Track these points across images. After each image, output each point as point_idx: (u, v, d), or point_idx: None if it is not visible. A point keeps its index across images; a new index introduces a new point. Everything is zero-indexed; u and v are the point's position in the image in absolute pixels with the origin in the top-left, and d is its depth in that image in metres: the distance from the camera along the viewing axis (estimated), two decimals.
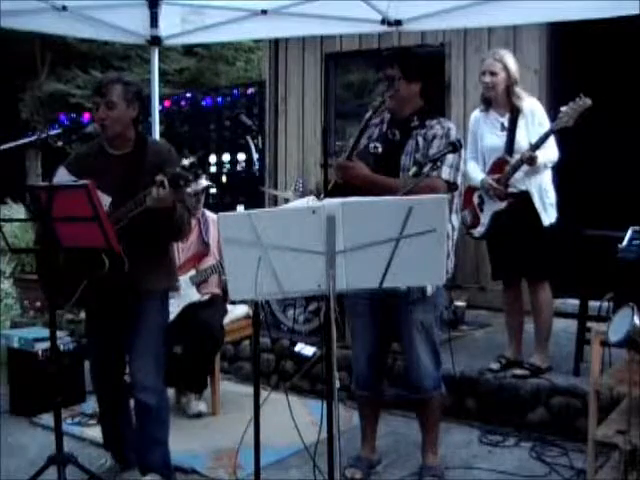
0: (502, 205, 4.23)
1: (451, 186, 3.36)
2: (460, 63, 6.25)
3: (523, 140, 4.17)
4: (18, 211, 5.82)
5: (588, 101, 3.99)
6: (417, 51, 3.80)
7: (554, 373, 4.26)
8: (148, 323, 3.40)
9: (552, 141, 4.17)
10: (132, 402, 3.52)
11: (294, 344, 5.01)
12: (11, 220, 4.99)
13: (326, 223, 2.24)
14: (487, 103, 4.35)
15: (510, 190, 4.21)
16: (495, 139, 4.28)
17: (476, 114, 4.46)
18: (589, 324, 3.92)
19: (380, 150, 3.46)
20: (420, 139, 3.39)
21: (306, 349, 4.93)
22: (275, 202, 6.81)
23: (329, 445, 2.36)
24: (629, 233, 3.62)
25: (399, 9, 4.86)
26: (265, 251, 2.28)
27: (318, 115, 7.08)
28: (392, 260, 2.29)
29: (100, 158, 3.35)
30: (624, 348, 2.97)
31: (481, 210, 4.35)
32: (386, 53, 3.67)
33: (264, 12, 5.09)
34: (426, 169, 3.25)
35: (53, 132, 3.15)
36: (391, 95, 3.42)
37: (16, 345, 4.60)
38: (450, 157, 3.32)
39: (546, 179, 4.27)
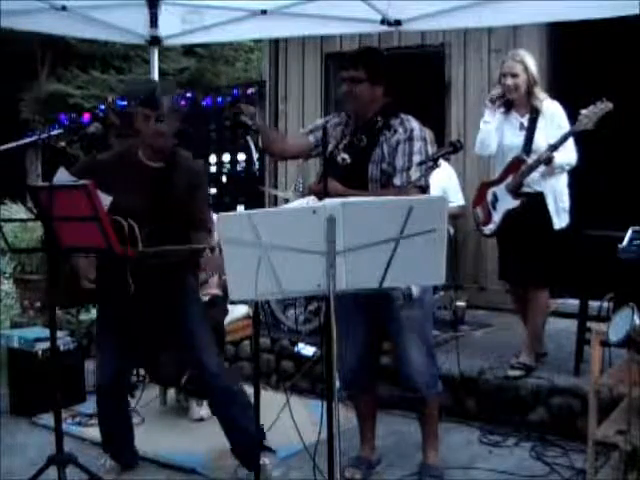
0: (515, 203, 4.24)
1: (424, 189, 3.32)
2: (460, 63, 6.25)
3: (541, 141, 4.18)
4: (18, 211, 5.82)
5: (610, 105, 4.01)
6: (381, 52, 3.75)
7: (554, 373, 4.26)
8: (193, 314, 3.45)
9: (571, 145, 4.19)
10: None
11: (294, 344, 5.01)
12: (11, 220, 4.99)
13: (326, 223, 2.24)
14: (508, 105, 4.35)
15: (525, 190, 4.23)
16: (514, 139, 4.29)
17: (498, 115, 4.41)
18: (589, 324, 3.92)
19: (349, 161, 3.38)
20: (385, 146, 3.32)
21: (306, 349, 4.93)
22: (275, 202, 6.81)
23: (329, 445, 2.36)
24: (629, 233, 3.62)
25: (399, 9, 4.85)
26: (265, 251, 2.28)
27: (318, 115, 7.07)
28: (392, 260, 2.30)
29: (133, 167, 3.33)
30: (624, 348, 2.97)
31: (494, 208, 4.36)
32: (351, 53, 3.59)
33: (264, 12, 5.08)
34: (424, 168, 3.25)
35: (54, 132, 3.15)
36: (354, 97, 3.36)
37: (16, 345, 4.60)
38: (417, 159, 3.28)
39: (562, 182, 4.28)
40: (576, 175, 4.46)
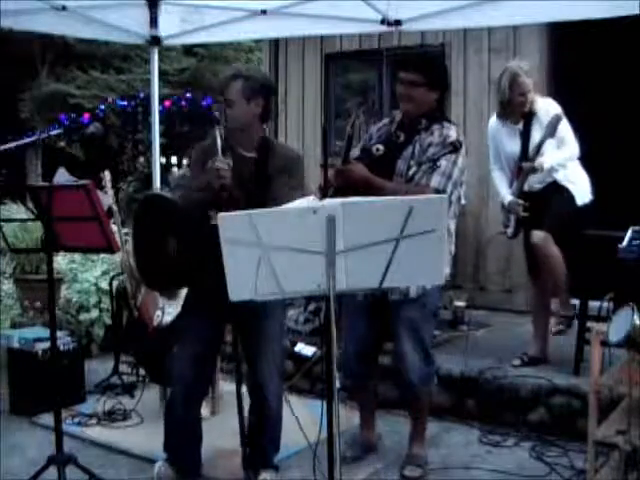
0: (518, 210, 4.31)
1: (441, 194, 3.33)
2: (460, 63, 6.25)
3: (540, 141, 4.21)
4: (18, 211, 5.81)
5: (560, 115, 4.12)
6: (440, 61, 3.85)
7: (554, 373, 4.26)
8: (271, 325, 3.38)
9: (569, 139, 4.23)
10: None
11: (294, 344, 5.01)
12: (11, 220, 4.98)
13: (326, 223, 2.24)
14: (504, 115, 4.36)
15: (537, 187, 4.30)
16: (514, 147, 4.34)
17: (493, 122, 4.46)
18: (589, 324, 3.91)
19: (382, 152, 3.49)
20: (417, 146, 3.42)
21: (306, 349, 4.93)
22: None
23: (329, 445, 2.36)
24: (629, 233, 3.61)
25: (399, 9, 4.86)
26: (265, 251, 2.28)
27: (318, 115, 7.08)
28: (392, 260, 2.30)
29: (231, 156, 3.26)
30: (624, 348, 2.97)
31: (509, 211, 4.42)
32: (412, 56, 3.71)
33: (264, 12, 5.09)
34: (424, 168, 3.34)
35: (53, 132, 3.15)
36: (409, 99, 3.43)
37: (16, 345, 4.59)
38: (443, 164, 3.36)
39: (571, 167, 4.31)
40: None
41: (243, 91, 3.21)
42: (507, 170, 4.43)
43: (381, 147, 3.50)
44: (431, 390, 3.70)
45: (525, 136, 4.27)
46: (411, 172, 3.39)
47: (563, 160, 4.24)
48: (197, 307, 3.43)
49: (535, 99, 4.29)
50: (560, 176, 4.28)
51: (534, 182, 4.29)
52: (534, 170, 4.18)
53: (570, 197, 4.29)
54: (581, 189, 4.32)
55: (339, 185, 3.31)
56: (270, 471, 3.55)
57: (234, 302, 2.35)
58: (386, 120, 3.63)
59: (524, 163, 4.21)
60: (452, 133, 3.43)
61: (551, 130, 4.11)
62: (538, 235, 4.29)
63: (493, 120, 4.47)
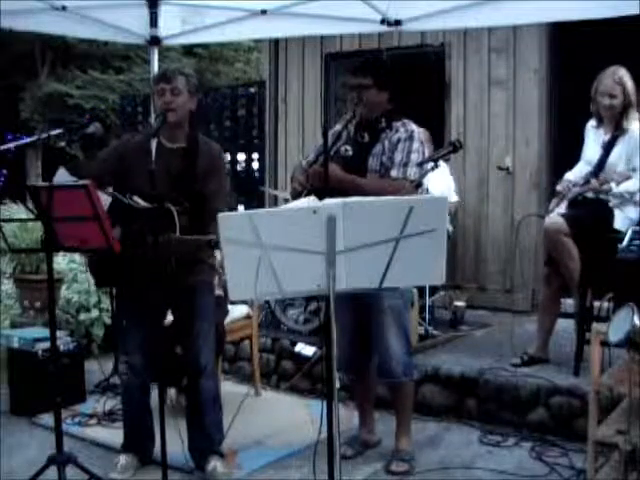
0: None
1: (417, 185, 3.57)
2: (460, 63, 6.25)
3: (618, 162, 4.17)
4: (18, 211, 5.82)
5: None
6: (387, 61, 3.95)
7: (554, 373, 4.26)
8: (203, 310, 3.52)
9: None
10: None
11: (294, 344, 5.01)
12: (11, 220, 4.98)
13: (326, 223, 2.24)
14: (600, 120, 4.32)
15: (590, 194, 4.25)
16: (594, 154, 4.31)
17: (592, 121, 4.41)
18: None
19: (350, 153, 3.64)
20: (386, 142, 3.59)
21: (306, 349, 4.93)
22: (275, 202, 6.81)
23: (329, 445, 2.36)
24: (629, 233, 3.61)
25: (399, 9, 4.86)
26: (265, 251, 2.28)
27: (318, 115, 7.08)
28: (392, 260, 2.30)
29: (155, 149, 3.33)
30: (624, 348, 2.97)
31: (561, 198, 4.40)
32: (357, 63, 3.83)
33: (264, 12, 5.09)
34: (428, 168, 3.50)
35: (54, 132, 3.16)
36: (361, 102, 3.56)
37: (16, 345, 4.59)
38: (414, 157, 3.53)
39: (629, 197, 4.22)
40: None
41: (187, 85, 3.42)
42: (581, 172, 4.38)
43: (349, 148, 3.64)
44: (413, 382, 3.79)
45: (607, 150, 4.23)
46: (405, 172, 3.51)
47: (629, 189, 4.14)
48: (133, 299, 3.52)
49: (631, 116, 4.19)
50: (611, 198, 4.19)
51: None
52: (598, 192, 4.16)
53: (610, 215, 4.20)
54: (624, 216, 4.20)
55: (315, 186, 3.42)
56: (216, 457, 3.58)
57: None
58: (339, 126, 3.69)
59: (593, 181, 4.16)
60: (414, 127, 3.62)
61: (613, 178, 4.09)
62: (550, 218, 4.30)
63: (591, 121, 4.41)
